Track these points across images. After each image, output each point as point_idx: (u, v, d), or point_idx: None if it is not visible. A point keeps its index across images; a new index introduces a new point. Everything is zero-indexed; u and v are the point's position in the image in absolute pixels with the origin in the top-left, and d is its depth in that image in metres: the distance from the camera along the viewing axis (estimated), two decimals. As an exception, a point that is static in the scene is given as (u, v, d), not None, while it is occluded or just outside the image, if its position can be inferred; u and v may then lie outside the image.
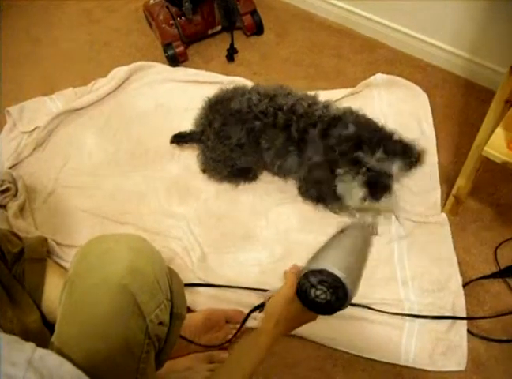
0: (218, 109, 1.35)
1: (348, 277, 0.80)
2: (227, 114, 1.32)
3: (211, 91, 1.48)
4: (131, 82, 1.67)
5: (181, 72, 1.71)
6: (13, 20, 1.94)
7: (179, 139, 1.45)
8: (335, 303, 0.82)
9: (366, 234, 1.01)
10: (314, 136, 1.26)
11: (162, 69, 1.71)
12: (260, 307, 0.95)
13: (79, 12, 1.97)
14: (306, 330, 1.17)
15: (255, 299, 1.21)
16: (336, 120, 1.25)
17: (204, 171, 1.44)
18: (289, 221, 1.36)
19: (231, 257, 1.30)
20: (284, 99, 1.31)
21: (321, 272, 0.81)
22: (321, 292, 0.82)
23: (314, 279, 0.82)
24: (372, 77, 1.60)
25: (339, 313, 1.17)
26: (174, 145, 1.48)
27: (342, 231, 0.94)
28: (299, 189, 1.38)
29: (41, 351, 0.59)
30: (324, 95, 1.57)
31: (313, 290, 0.82)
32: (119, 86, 1.65)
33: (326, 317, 0.87)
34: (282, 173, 1.39)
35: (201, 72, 1.70)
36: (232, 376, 0.85)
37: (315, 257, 0.87)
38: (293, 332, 1.16)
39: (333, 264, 0.81)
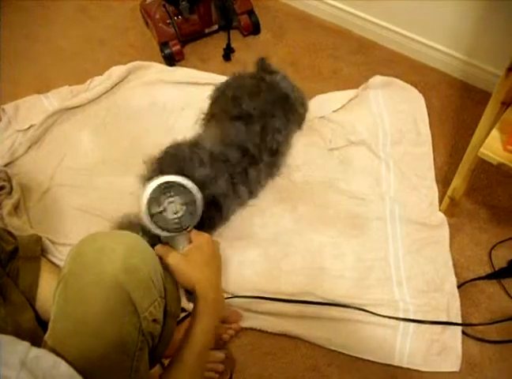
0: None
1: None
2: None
3: (208, 91, 1.47)
4: (128, 81, 1.66)
5: (178, 71, 1.70)
6: (7, 16, 1.93)
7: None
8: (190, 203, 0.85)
9: None
10: None
11: (159, 69, 1.70)
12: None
13: (75, 9, 1.96)
14: (301, 330, 1.18)
15: (249, 300, 1.21)
16: None
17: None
18: (284, 222, 1.36)
19: (226, 258, 1.30)
20: None
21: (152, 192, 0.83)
22: (168, 202, 0.85)
23: (154, 198, 0.84)
24: (371, 79, 1.60)
25: (334, 313, 1.18)
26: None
27: None
28: None
29: (36, 351, 0.58)
30: (323, 101, 1.58)
31: (164, 212, 0.85)
32: (116, 85, 1.64)
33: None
34: None
35: (197, 72, 1.70)
36: (177, 373, 0.85)
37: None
38: (288, 333, 1.17)
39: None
